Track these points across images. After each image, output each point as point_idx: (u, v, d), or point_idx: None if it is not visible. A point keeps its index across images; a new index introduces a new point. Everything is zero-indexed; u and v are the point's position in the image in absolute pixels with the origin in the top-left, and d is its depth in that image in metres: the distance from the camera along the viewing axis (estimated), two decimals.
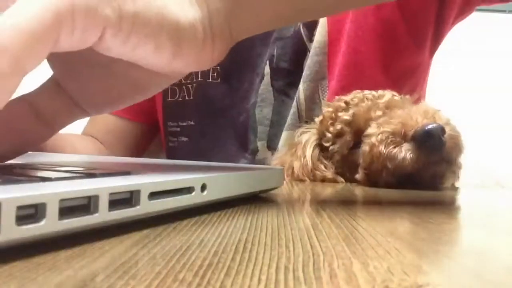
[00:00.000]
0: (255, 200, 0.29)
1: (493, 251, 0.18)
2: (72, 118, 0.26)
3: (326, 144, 0.50)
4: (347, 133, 0.48)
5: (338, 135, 0.49)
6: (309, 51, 0.61)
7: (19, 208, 0.14)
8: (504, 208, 0.33)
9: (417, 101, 0.51)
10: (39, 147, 0.50)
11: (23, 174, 0.20)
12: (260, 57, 0.62)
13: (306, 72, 0.60)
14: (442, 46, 0.67)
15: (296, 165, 0.50)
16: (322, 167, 0.50)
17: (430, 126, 0.39)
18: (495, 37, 1.77)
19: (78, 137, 0.70)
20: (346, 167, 0.49)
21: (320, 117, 0.53)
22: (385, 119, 0.43)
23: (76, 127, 0.74)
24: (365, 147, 0.44)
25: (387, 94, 0.50)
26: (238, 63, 0.62)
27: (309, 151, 0.51)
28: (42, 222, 0.15)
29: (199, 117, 0.65)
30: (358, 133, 0.47)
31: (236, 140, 0.63)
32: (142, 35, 0.21)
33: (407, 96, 0.50)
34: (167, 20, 0.22)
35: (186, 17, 0.23)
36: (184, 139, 0.67)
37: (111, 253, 0.15)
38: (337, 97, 0.52)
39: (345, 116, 0.48)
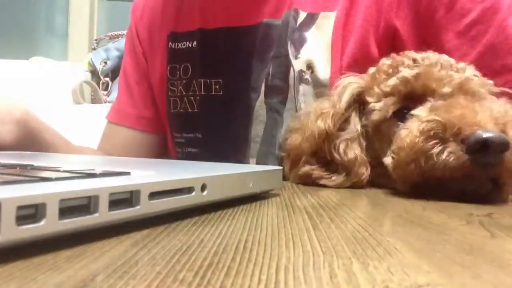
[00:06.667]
0: (255, 200, 0.29)
1: (493, 251, 0.18)
2: None
3: (370, 100, 0.41)
4: (399, 94, 0.39)
5: (388, 94, 0.40)
6: (293, 68, 0.58)
7: (19, 208, 0.14)
8: (504, 208, 0.33)
9: (500, 95, 0.40)
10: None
11: (23, 174, 0.20)
12: (259, 75, 0.61)
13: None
14: None
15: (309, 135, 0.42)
16: (345, 139, 0.41)
17: (489, 135, 0.30)
18: None
19: (92, 151, 0.69)
20: (376, 140, 0.41)
21: (374, 69, 0.44)
22: (445, 104, 0.35)
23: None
24: (402, 131, 0.35)
25: (468, 70, 0.39)
26: (238, 78, 0.62)
27: (345, 97, 0.42)
28: (42, 222, 0.15)
29: (205, 130, 0.65)
30: (409, 99, 0.39)
31: (236, 156, 0.62)
32: None
33: (490, 81, 0.40)
34: None
35: None
36: (193, 150, 0.66)
37: (111, 253, 0.15)
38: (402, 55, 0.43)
39: (406, 73, 0.39)
